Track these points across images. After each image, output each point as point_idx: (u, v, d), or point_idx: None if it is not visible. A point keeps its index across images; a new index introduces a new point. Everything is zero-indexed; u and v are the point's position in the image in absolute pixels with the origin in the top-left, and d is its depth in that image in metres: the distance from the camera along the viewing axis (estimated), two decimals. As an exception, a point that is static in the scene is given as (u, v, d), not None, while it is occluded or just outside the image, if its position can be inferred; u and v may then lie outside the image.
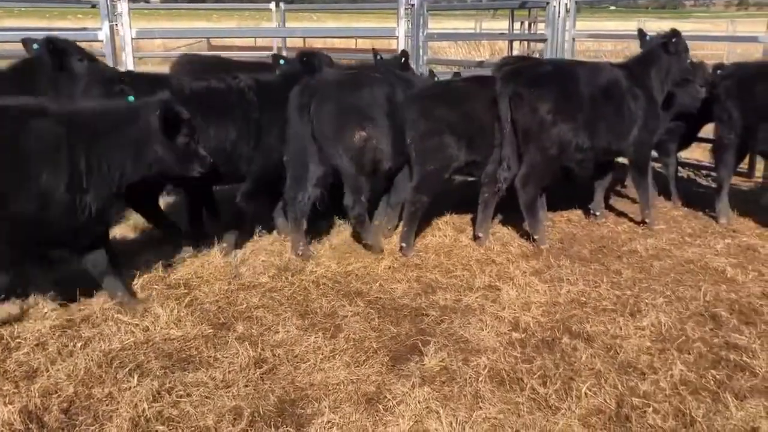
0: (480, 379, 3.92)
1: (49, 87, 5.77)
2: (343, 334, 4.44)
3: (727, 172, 6.89)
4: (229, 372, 3.97)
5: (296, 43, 18.14)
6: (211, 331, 4.47)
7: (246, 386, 3.84)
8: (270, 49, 14.33)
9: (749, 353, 4.23)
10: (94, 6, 9.60)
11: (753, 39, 8.57)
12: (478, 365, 4.06)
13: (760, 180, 7.89)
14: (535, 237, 6.12)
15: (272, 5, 13.29)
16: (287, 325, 4.56)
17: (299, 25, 24.66)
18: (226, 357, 4.13)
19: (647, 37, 7.23)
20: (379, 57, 7.34)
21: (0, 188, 4.07)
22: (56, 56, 5.88)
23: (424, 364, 4.08)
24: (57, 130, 4.23)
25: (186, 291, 5.04)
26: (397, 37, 7.58)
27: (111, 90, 5.34)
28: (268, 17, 13.84)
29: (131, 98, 4.72)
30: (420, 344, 4.31)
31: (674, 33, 6.60)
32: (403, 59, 7.04)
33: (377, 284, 5.26)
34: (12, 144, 4.11)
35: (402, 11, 7.49)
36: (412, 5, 7.51)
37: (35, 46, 5.96)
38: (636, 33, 7.54)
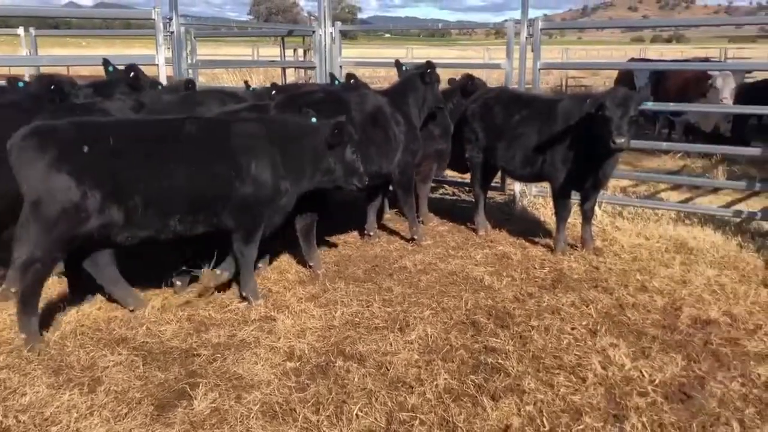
0: (252, 415, 3.81)
1: None
2: (103, 387, 4.07)
3: (481, 187, 7.54)
4: (-40, 451, 3.46)
5: (59, 71, 16.71)
6: (-62, 405, 3.86)
7: (-19, 464, 3.37)
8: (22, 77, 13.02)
9: (503, 355, 4.55)
10: None
11: (496, 66, 9.48)
12: (250, 402, 3.94)
13: (512, 193, 8.69)
14: (311, 263, 6.17)
15: (20, 30, 12.04)
16: (36, 385, 4.08)
17: (65, 53, 22.94)
18: (-43, 434, 3.59)
19: (404, 68, 7.69)
20: (111, 68, 7.10)
21: None
22: None
23: (193, 409, 3.87)
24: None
25: None
26: (157, 64, 7.25)
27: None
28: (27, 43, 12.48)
29: (314, 119, 5.52)
30: (189, 388, 4.08)
31: (428, 65, 7.09)
32: (131, 73, 6.79)
33: (144, 328, 4.92)
34: None
35: (160, 38, 7.19)
36: (172, 32, 7.25)
37: None
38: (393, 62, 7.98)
